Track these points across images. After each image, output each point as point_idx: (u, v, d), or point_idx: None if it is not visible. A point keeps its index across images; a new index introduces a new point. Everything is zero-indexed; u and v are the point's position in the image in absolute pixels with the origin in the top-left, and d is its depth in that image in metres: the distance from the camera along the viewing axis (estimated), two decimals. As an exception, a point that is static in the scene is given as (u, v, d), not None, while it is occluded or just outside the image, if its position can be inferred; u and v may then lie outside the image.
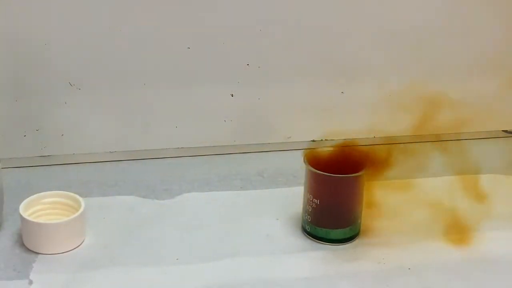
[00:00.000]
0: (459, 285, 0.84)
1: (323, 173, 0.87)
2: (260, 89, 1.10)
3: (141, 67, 1.06)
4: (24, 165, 1.06)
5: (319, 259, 0.88)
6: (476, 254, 0.89)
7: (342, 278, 0.84)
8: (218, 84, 1.09)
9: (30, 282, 0.82)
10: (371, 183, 0.91)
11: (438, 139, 1.16)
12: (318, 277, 0.85)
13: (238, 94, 1.10)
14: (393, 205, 0.95)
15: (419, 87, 1.12)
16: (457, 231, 0.92)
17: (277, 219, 0.95)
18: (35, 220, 0.87)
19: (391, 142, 1.07)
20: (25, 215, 0.87)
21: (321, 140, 1.13)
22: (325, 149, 0.92)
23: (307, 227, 0.91)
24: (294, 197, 0.95)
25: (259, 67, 1.09)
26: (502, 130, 1.21)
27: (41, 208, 0.90)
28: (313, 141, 1.13)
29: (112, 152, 1.10)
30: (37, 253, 0.86)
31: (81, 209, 0.88)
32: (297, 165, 0.92)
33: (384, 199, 0.95)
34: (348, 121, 1.10)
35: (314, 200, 0.89)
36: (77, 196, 0.90)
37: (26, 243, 0.87)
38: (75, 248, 0.88)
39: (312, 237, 0.91)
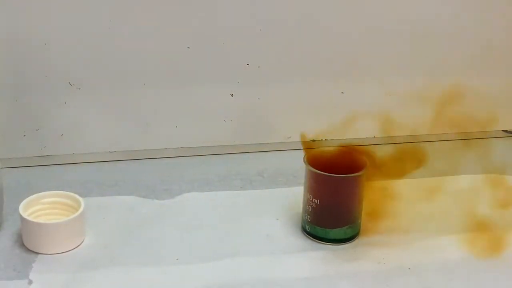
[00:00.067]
0: (459, 285, 0.84)
1: (323, 173, 0.87)
2: (260, 89, 1.10)
3: (141, 67, 1.06)
4: (24, 165, 1.06)
5: (319, 259, 0.88)
6: (476, 253, 0.89)
7: (342, 278, 0.84)
8: (218, 84, 1.09)
9: (30, 282, 0.82)
10: (371, 183, 0.91)
11: (439, 139, 1.17)
12: (318, 277, 0.85)
13: (238, 94, 1.10)
14: (393, 205, 0.95)
15: (419, 87, 1.13)
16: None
17: (277, 219, 0.95)
18: (35, 220, 0.87)
19: (391, 142, 1.08)
20: (25, 215, 0.87)
21: (321, 140, 1.13)
22: (325, 149, 0.92)
23: (307, 227, 0.91)
24: (294, 197, 0.95)
25: (259, 67, 1.09)
26: (502, 130, 1.21)
27: (41, 208, 0.90)
28: (313, 141, 1.13)
29: (112, 152, 1.10)
30: (37, 253, 0.86)
31: (81, 209, 0.88)
32: (297, 165, 0.92)
33: (384, 199, 0.95)
34: (348, 121, 1.10)
35: (314, 200, 0.88)
36: (77, 196, 0.90)
37: (26, 243, 0.87)
38: (75, 248, 0.88)
39: (312, 237, 0.91)
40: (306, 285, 0.84)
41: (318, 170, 0.87)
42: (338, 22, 1.09)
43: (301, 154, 0.90)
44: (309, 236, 0.91)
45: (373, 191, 0.93)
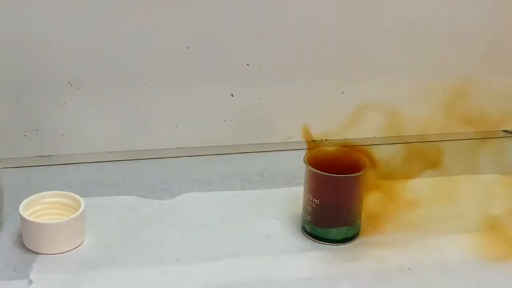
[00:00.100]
0: (459, 285, 0.84)
1: (323, 173, 0.87)
2: (260, 89, 1.10)
3: (141, 67, 1.06)
4: (24, 165, 1.06)
5: (319, 259, 0.88)
6: (475, 253, 0.89)
7: (342, 278, 0.84)
8: (218, 84, 1.09)
9: (30, 282, 0.82)
10: (371, 183, 0.91)
11: (441, 139, 1.17)
12: (318, 277, 0.85)
13: (238, 94, 1.10)
14: (392, 205, 0.95)
15: (419, 86, 1.13)
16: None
17: (277, 219, 0.95)
18: (35, 220, 0.87)
19: (392, 142, 1.08)
20: (25, 215, 0.87)
21: (321, 140, 1.13)
22: (325, 149, 0.92)
23: (307, 227, 0.91)
24: (294, 197, 0.95)
25: (259, 67, 1.09)
26: (502, 130, 1.21)
27: (41, 208, 0.90)
28: (313, 141, 1.13)
29: (112, 152, 1.10)
30: (37, 253, 0.86)
31: (81, 209, 0.88)
32: (297, 165, 0.92)
33: (383, 199, 0.95)
34: (348, 121, 1.10)
35: (314, 200, 0.88)
36: (77, 196, 0.90)
37: (26, 243, 0.87)
38: (75, 248, 0.88)
39: (312, 237, 0.91)
40: (306, 285, 0.84)
41: (318, 170, 0.88)
42: (338, 22, 1.09)
43: (301, 154, 0.90)
44: (309, 236, 0.91)
45: (375, 192, 0.93)
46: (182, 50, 1.05)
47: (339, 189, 0.88)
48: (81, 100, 1.05)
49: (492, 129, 1.19)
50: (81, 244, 0.89)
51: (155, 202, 0.99)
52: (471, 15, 1.13)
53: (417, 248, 0.89)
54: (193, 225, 0.93)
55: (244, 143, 1.13)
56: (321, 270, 0.86)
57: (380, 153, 0.94)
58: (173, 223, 0.94)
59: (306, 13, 1.07)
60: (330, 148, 0.93)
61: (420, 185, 1.00)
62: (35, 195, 0.90)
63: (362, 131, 1.11)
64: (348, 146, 0.93)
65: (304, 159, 0.89)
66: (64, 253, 0.87)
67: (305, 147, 1.01)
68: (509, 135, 1.20)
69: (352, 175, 0.87)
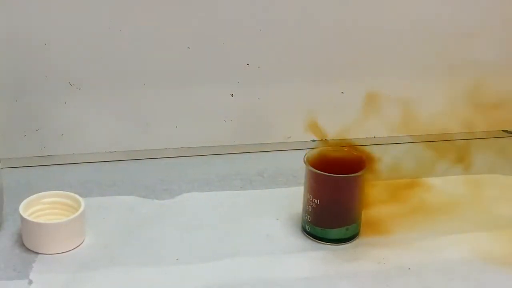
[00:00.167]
0: (459, 285, 0.84)
1: (323, 173, 0.87)
2: (260, 89, 1.10)
3: (141, 67, 1.06)
4: (24, 165, 1.06)
5: (319, 259, 0.88)
6: (475, 253, 0.89)
7: (342, 278, 0.84)
8: (218, 84, 1.09)
9: (30, 282, 0.82)
10: (371, 183, 0.91)
11: (444, 139, 1.17)
12: (318, 277, 0.85)
13: (238, 94, 1.10)
14: (392, 205, 0.95)
15: (419, 86, 1.13)
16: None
17: (277, 219, 0.95)
18: (35, 220, 0.87)
19: (391, 142, 1.08)
20: (25, 215, 0.87)
21: (321, 140, 1.13)
22: (325, 149, 0.92)
23: (307, 227, 0.91)
24: (294, 197, 0.95)
25: (259, 67, 1.09)
26: (502, 130, 1.21)
27: (41, 208, 0.90)
28: (313, 141, 1.13)
29: (112, 152, 1.10)
30: (37, 253, 0.86)
31: (81, 209, 0.88)
32: (297, 165, 0.92)
33: (384, 199, 0.95)
34: (348, 121, 1.10)
35: (314, 200, 0.88)
36: (77, 196, 0.90)
37: (26, 243, 0.87)
38: (75, 248, 0.88)
39: (312, 237, 0.91)
40: (306, 285, 0.84)
41: (318, 170, 0.87)
42: (338, 22, 1.09)
43: (301, 154, 0.90)
44: (309, 236, 0.91)
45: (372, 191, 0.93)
46: (182, 50, 1.05)
47: (339, 189, 0.88)
48: (81, 100, 1.05)
49: (492, 129, 1.19)
50: (81, 244, 0.89)
51: (155, 202, 0.98)
52: (471, 15, 1.13)
53: (417, 248, 0.89)
54: (193, 225, 0.93)
55: (244, 143, 1.13)
56: (321, 270, 0.86)
57: (381, 153, 0.94)
58: (173, 223, 0.94)
59: (306, 13, 1.07)
60: (330, 148, 0.93)
61: (421, 185, 1.00)
62: (35, 195, 0.90)
63: (362, 131, 1.11)
64: (348, 146, 0.93)
65: (304, 159, 0.89)
66: (64, 253, 0.87)
67: (305, 147, 1.01)
68: (509, 135, 1.20)
69: (352, 175, 0.87)
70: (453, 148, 1.12)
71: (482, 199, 0.99)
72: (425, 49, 1.13)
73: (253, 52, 1.08)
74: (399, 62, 1.13)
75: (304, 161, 0.89)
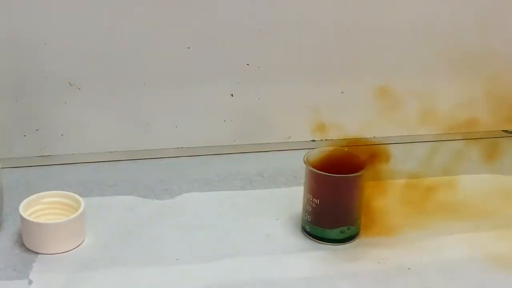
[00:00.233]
0: (459, 285, 0.84)
1: (323, 173, 0.87)
2: (260, 89, 1.10)
3: (141, 67, 1.06)
4: (24, 165, 1.06)
5: (319, 259, 0.88)
6: (476, 253, 0.89)
7: (342, 278, 0.84)
8: (218, 84, 1.09)
9: (30, 282, 0.82)
10: (371, 183, 0.91)
11: (438, 139, 1.17)
12: (318, 277, 0.85)
13: (238, 94, 1.10)
14: (392, 205, 0.95)
15: (418, 86, 1.13)
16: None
17: (277, 219, 0.95)
18: (35, 220, 0.87)
19: (391, 142, 1.08)
20: (25, 215, 0.87)
21: (321, 140, 1.13)
22: (325, 149, 0.92)
23: (307, 227, 0.91)
24: (294, 197, 0.95)
25: (259, 67, 1.09)
26: (502, 130, 1.21)
27: (41, 208, 0.90)
28: (313, 141, 1.13)
29: (111, 152, 1.10)
30: (37, 253, 0.86)
31: (81, 209, 0.88)
32: (297, 165, 0.92)
33: (383, 199, 0.95)
34: (348, 121, 1.10)
35: (314, 200, 0.88)
36: (77, 196, 0.90)
37: (26, 243, 0.87)
38: (75, 248, 0.88)
39: (312, 237, 0.91)
40: (306, 285, 0.84)
41: (318, 170, 0.87)
42: (338, 22, 1.09)
43: (301, 154, 0.90)
44: (309, 236, 0.91)
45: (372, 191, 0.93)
46: (182, 50, 1.05)
47: (339, 189, 0.88)
48: (81, 100, 1.05)
49: (492, 129, 1.19)
50: (81, 244, 0.89)
51: (155, 202, 0.98)
52: (471, 15, 1.13)
53: (417, 248, 0.89)
54: (193, 225, 0.93)
55: (244, 143, 1.13)
56: (321, 270, 0.86)
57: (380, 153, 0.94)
58: (173, 223, 0.94)
59: (306, 13, 1.07)
60: (330, 148, 0.93)
61: (421, 185, 1.00)
62: (35, 195, 0.90)
63: (362, 131, 1.11)
64: (348, 146, 0.93)
65: (304, 159, 0.89)
66: (64, 253, 0.87)
67: (305, 147, 1.01)
68: (509, 135, 1.20)
69: (352, 175, 0.87)
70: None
71: (483, 199, 0.99)
72: (425, 49, 1.13)
73: (253, 52, 1.08)
74: (399, 62, 1.13)
75: (304, 161, 0.89)
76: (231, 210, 0.97)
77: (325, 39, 1.09)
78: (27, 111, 1.05)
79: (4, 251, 0.87)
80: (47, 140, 1.07)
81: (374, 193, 0.92)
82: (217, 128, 1.12)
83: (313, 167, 0.88)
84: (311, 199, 0.89)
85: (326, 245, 0.90)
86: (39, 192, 0.91)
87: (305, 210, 0.91)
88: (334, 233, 0.89)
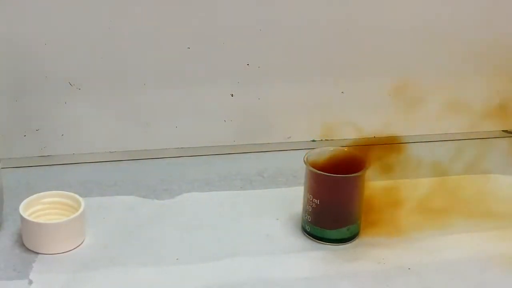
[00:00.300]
0: (459, 285, 0.84)
1: (323, 173, 0.87)
2: (260, 89, 1.10)
3: (141, 67, 1.06)
4: (24, 165, 1.06)
5: (319, 259, 0.88)
6: (476, 253, 0.89)
7: (342, 278, 0.84)
8: (218, 84, 1.09)
9: (30, 282, 0.82)
10: (370, 183, 0.91)
11: (438, 139, 1.17)
12: (318, 277, 0.85)
13: (238, 94, 1.10)
14: (392, 205, 0.95)
15: (418, 86, 1.13)
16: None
17: (277, 219, 0.95)
18: (35, 220, 0.87)
19: (391, 142, 1.08)
20: (25, 215, 0.87)
21: (321, 140, 1.13)
22: (325, 149, 0.92)
23: (307, 227, 0.91)
24: (294, 197, 0.95)
25: (259, 67, 1.09)
26: (502, 130, 1.21)
27: (41, 208, 0.90)
28: (313, 141, 1.13)
29: (112, 152, 1.10)
30: (37, 253, 0.86)
31: (81, 209, 0.88)
32: (297, 165, 0.92)
33: (384, 199, 0.95)
34: (348, 121, 1.10)
35: (314, 200, 0.88)
36: (77, 196, 0.90)
37: (26, 243, 0.87)
38: (75, 248, 0.88)
39: (312, 237, 0.91)
40: (306, 285, 0.84)
41: (318, 170, 0.87)
42: (338, 22, 1.09)
43: (301, 154, 0.90)
44: (309, 236, 0.91)
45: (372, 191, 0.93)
46: (182, 50, 1.05)
47: (339, 189, 0.88)
48: (81, 100, 1.05)
49: (492, 129, 1.19)
50: (81, 244, 0.89)
51: (155, 202, 0.98)
52: (471, 15, 1.13)
53: (417, 248, 0.89)
54: (193, 225, 0.93)
55: (244, 143, 1.13)
56: (321, 270, 0.86)
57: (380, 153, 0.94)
58: (173, 223, 0.94)
59: (306, 13, 1.07)
60: (330, 148, 0.93)
61: (421, 185, 1.00)
62: (35, 195, 0.90)
63: (362, 131, 1.11)
64: (348, 146, 0.93)
65: (304, 159, 0.89)
66: (64, 253, 0.87)
67: (305, 147, 1.01)
68: (509, 135, 1.20)
69: (352, 175, 0.87)
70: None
71: (483, 199, 0.99)
72: (425, 49, 1.13)
73: (253, 52, 1.08)
74: (399, 62, 1.13)
75: (304, 161, 0.89)
76: (231, 210, 0.97)
77: (325, 39, 1.09)
78: (27, 111, 1.05)
79: (4, 251, 0.87)
80: (47, 140, 1.07)
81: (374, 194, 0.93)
82: (217, 128, 1.12)
83: (313, 167, 0.88)
84: (311, 199, 0.89)
85: (326, 245, 0.90)
86: (39, 192, 0.91)
87: (305, 210, 0.91)
88: (334, 233, 0.89)
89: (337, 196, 0.89)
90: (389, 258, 0.87)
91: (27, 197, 0.90)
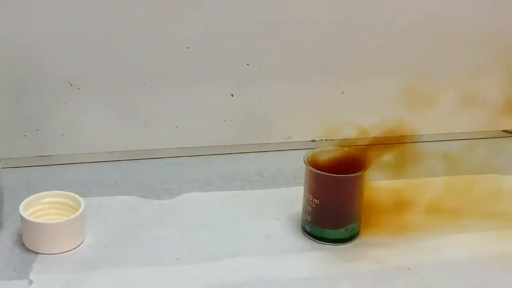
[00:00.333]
0: (459, 285, 0.84)
1: (323, 173, 0.87)
2: (260, 89, 1.10)
3: (141, 67, 1.06)
4: (24, 165, 1.06)
5: (319, 259, 0.88)
6: (476, 253, 0.89)
7: (342, 278, 0.84)
8: (218, 84, 1.09)
9: (30, 282, 0.82)
10: (370, 183, 0.92)
11: (438, 139, 1.17)
12: (318, 277, 0.85)
13: (238, 94, 1.10)
14: (392, 205, 0.95)
15: (417, 86, 1.13)
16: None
17: (277, 219, 0.95)
18: (35, 220, 0.87)
19: (391, 142, 1.08)
20: (25, 215, 0.87)
21: (321, 140, 1.13)
22: (325, 149, 0.92)
23: (307, 227, 0.91)
24: (294, 197, 0.95)
25: (259, 67, 1.09)
26: (502, 130, 1.21)
27: (41, 208, 0.90)
28: (313, 141, 1.13)
29: (112, 152, 1.10)
30: (37, 253, 0.86)
31: (81, 209, 0.88)
32: (297, 165, 0.92)
33: (383, 199, 0.95)
34: (348, 121, 1.10)
35: (314, 200, 0.88)
36: (77, 196, 0.90)
37: (26, 243, 0.87)
38: (75, 248, 0.88)
39: (312, 237, 0.91)
40: (306, 285, 0.84)
41: (318, 170, 0.87)
42: (338, 22, 1.09)
43: (301, 154, 0.90)
44: (309, 236, 0.91)
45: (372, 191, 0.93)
46: (182, 50, 1.05)
47: (339, 189, 0.88)
48: (81, 100, 1.05)
49: (491, 129, 1.19)
50: (81, 244, 0.89)
51: (155, 202, 0.98)
52: (471, 15, 1.13)
53: (417, 248, 0.89)
54: (193, 225, 0.93)
55: (244, 143, 1.13)
56: (321, 270, 0.86)
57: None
58: (173, 223, 0.94)
59: (306, 13, 1.07)
60: (330, 148, 0.93)
61: (421, 185, 1.00)
62: (35, 195, 0.90)
63: (362, 131, 1.11)
64: (348, 146, 0.93)
65: (304, 159, 0.89)
66: (64, 253, 0.87)
67: (305, 147, 1.01)
68: (509, 135, 1.20)
69: (352, 175, 0.87)
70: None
71: (483, 198, 0.99)
72: (426, 49, 1.13)
73: (253, 52, 1.08)
74: (399, 62, 1.13)
75: (304, 161, 0.89)
76: (231, 210, 0.97)
77: (325, 39, 1.09)
78: (27, 111, 1.05)
79: (4, 251, 0.87)
80: (47, 140, 1.07)
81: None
82: (217, 128, 1.12)
83: (313, 167, 0.88)
84: (311, 199, 0.89)
85: (326, 245, 0.90)
86: (39, 192, 0.91)
87: (305, 210, 0.91)
88: (334, 233, 0.89)
89: (337, 196, 0.89)
90: (389, 258, 0.87)
91: (27, 197, 0.90)
